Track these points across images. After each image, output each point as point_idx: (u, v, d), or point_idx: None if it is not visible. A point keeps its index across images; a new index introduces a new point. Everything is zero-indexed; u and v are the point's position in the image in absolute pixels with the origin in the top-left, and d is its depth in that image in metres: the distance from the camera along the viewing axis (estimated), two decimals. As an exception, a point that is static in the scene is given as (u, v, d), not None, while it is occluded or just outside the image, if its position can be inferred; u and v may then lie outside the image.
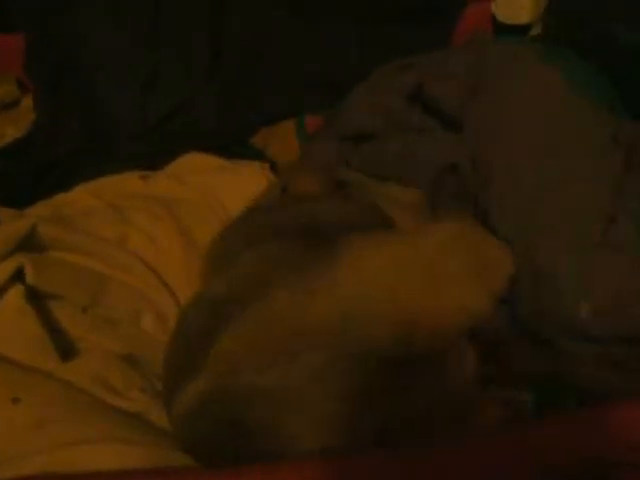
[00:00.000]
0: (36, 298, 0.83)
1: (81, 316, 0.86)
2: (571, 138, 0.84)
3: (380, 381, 0.61)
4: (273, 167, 1.11)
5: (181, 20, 1.22)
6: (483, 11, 1.30)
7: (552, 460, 0.61)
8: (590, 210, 0.78)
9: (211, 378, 0.65)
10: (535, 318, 0.78)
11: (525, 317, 0.79)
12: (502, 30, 1.34)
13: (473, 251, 0.74)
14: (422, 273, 0.68)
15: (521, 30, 1.35)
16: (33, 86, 1.25)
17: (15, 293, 0.81)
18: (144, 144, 1.16)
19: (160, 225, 0.98)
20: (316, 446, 0.59)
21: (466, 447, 0.60)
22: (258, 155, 1.16)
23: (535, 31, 1.35)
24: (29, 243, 0.88)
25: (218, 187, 1.03)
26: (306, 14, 1.25)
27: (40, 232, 0.90)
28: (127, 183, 1.08)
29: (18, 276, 0.83)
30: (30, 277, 0.83)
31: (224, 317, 0.68)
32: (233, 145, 1.17)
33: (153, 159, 1.12)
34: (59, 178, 1.09)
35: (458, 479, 0.59)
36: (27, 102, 1.28)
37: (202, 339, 0.68)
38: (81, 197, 1.07)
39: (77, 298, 0.87)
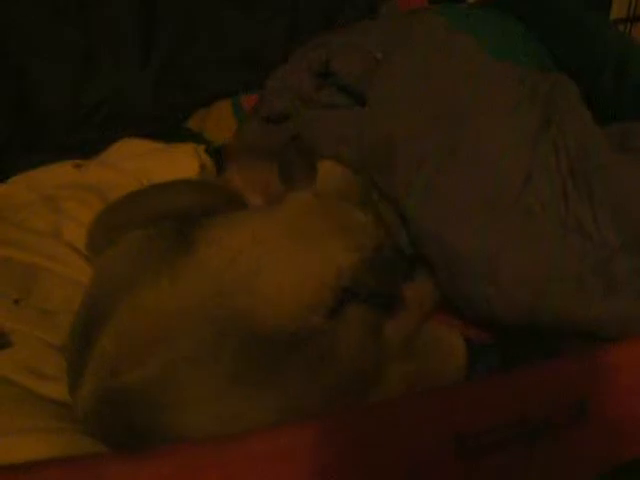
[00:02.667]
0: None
1: (13, 308, 0.85)
2: (483, 98, 0.83)
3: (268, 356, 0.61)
4: (209, 149, 1.10)
5: (112, 7, 1.19)
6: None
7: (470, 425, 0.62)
8: (507, 169, 0.76)
9: (95, 383, 0.64)
10: (451, 293, 0.79)
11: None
12: (438, -1, 1.33)
13: (330, 212, 0.74)
14: (284, 239, 0.68)
15: (458, -1, 1.34)
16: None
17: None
18: (78, 133, 1.14)
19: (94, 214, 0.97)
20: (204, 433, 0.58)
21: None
22: (194, 138, 1.15)
23: (472, -1, 1.35)
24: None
25: (152, 171, 1.02)
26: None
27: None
28: (61, 173, 1.06)
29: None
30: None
31: (100, 315, 0.67)
32: (169, 129, 1.16)
33: (88, 147, 1.10)
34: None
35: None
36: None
37: (82, 340, 0.69)
38: (15, 189, 1.05)
39: (8, 291, 0.86)
